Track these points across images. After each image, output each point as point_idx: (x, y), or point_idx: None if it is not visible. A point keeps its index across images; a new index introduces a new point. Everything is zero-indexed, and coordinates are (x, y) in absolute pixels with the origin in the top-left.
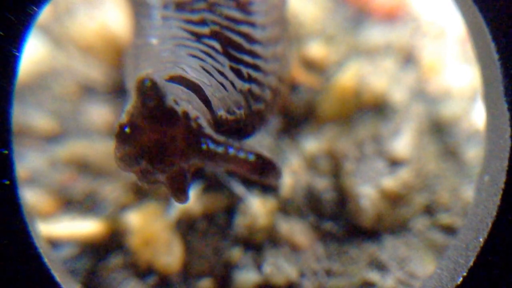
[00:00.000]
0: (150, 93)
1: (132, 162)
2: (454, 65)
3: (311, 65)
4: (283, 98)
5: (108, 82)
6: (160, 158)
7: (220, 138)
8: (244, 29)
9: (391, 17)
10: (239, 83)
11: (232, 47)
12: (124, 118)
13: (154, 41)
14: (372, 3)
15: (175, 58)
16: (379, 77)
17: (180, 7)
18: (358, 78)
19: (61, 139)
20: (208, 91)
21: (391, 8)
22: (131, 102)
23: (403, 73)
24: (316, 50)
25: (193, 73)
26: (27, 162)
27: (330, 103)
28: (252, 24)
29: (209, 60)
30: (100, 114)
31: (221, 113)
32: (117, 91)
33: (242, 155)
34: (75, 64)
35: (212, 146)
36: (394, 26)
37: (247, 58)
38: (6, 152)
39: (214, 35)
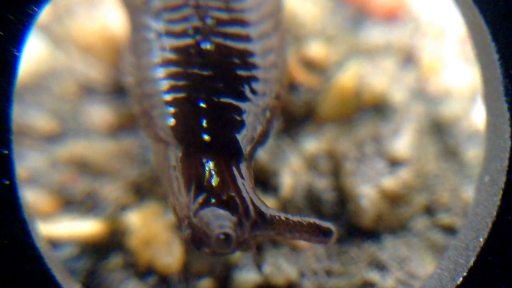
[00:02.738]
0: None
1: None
2: (454, 65)
3: (311, 65)
4: (283, 100)
5: (108, 82)
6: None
7: (279, 215)
8: (240, 45)
9: (391, 17)
10: (243, 105)
11: (229, 67)
12: (189, 234)
13: (153, 73)
14: (372, 3)
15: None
16: (379, 77)
17: (170, 32)
18: (358, 78)
19: (61, 139)
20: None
21: (391, 8)
22: (192, 226)
23: (403, 73)
24: (316, 50)
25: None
26: (27, 162)
27: (330, 103)
28: (248, 39)
29: (208, 97)
30: (100, 114)
31: (250, 154)
32: (117, 91)
33: (302, 229)
34: (75, 64)
35: (276, 229)
36: (394, 26)
37: (245, 73)
38: (6, 152)
39: (208, 63)
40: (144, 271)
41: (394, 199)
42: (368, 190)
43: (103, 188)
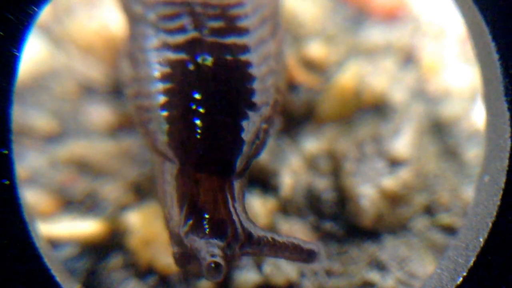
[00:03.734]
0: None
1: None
2: (454, 65)
3: (311, 65)
4: (282, 105)
5: (108, 82)
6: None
7: (266, 236)
8: (238, 57)
9: (391, 17)
10: (241, 123)
11: (226, 81)
12: (178, 253)
13: (149, 87)
14: (372, 3)
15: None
16: (379, 77)
17: (167, 44)
18: (358, 78)
19: (61, 139)
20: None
21: (391, 8)
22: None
23: (403, 73)
24: (316, 50)
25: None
26: (27, 162)
27: (330, 103)
28: (246, 49)
29: (205, 115)
30: (100, 114)
31: (244, 168)
32: (117, 91)
33: (288, 250)
34: (75, 64)
35: (264, 250)
36: (394, 26)
37: (242, 87)
38: (6, 152)
39: (205, 78)
40: (144, 271)
41: (394, 199)
42: (368, 190)
43: (103, 188)
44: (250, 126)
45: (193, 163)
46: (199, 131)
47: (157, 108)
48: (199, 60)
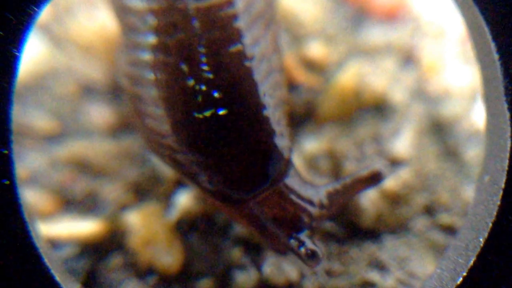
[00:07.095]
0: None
1: None
2: (454, 65)
3: (311, 65)
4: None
5: (108, 82)
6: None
7: (334, 189)
8: (246, 82)
9: (391, 17)
10: (269, 148)
11: (240, 112)
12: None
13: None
14: (372, 3)
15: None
16: (379, 77)
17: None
18: (358, 78)
19: (61, 139)
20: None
21: (391, 8)
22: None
23: (403, 73)
24: (316, 50)
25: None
26: (27, 162)
27: (330, 103)
28: (251, 72)
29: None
30: (100, 114)
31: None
32: (117, 91)
33: (360, 185)
34: (75, 64)
35: (339, 202)
36: (394, 26)
37: (249, 110)
38: (6, 152)
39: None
40: (144, 271)
41: (394, 199)
42: (368, 190)
43: (103, 188)
44: (279, 141)
45: (247, 198)
46: (229, 167)
47: (175, 145)
48: (211, 94)
